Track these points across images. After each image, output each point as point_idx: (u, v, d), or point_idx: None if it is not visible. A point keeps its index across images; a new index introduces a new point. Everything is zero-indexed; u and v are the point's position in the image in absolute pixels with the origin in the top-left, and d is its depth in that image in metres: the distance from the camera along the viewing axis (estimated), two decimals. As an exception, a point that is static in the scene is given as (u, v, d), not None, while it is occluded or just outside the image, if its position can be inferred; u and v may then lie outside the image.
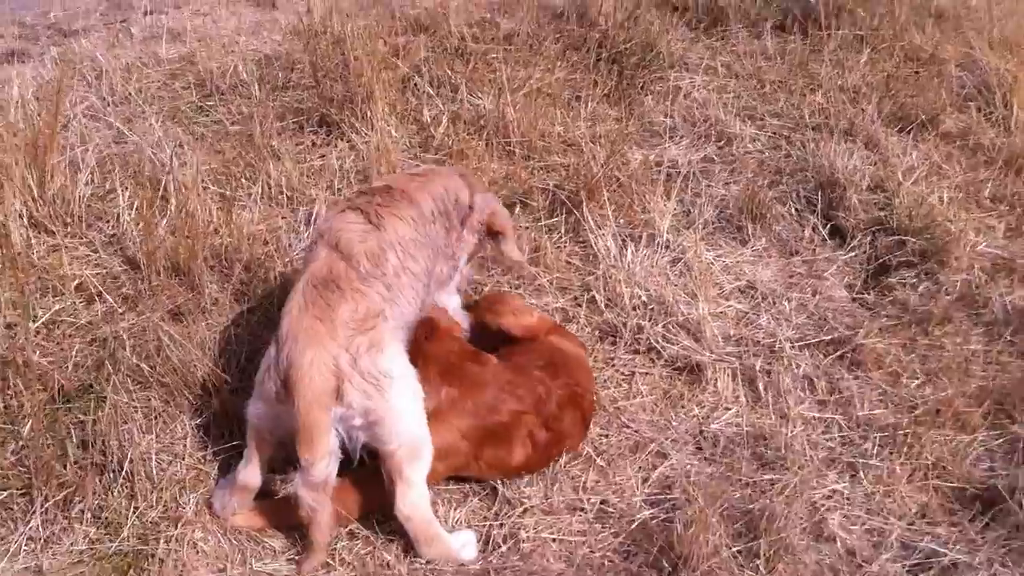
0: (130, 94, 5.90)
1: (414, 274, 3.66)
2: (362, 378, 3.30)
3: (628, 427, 4.01)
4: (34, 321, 4.24)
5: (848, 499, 3.71)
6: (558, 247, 4.88)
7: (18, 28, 7.10)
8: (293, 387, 3.28)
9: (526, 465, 3.72)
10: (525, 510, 3.65)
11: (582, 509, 3.67)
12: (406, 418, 3.39)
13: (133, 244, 4.65)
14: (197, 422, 3.90)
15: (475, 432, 3.60)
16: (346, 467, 3.48)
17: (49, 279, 4.51)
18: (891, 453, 3.85)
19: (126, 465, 3.62)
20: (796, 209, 5.20)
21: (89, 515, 3.55)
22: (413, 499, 3.39)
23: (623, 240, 4.81)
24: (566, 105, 5.80)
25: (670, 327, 4.38)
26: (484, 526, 3.64)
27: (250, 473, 3.57)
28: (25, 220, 4.75)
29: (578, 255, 4.86)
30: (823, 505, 3.66)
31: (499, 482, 3.72)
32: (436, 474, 3.55)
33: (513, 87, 5.71)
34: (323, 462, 3.28)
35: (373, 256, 3.54)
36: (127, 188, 4.86)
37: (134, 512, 3.55)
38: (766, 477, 3.75)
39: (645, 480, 3.78)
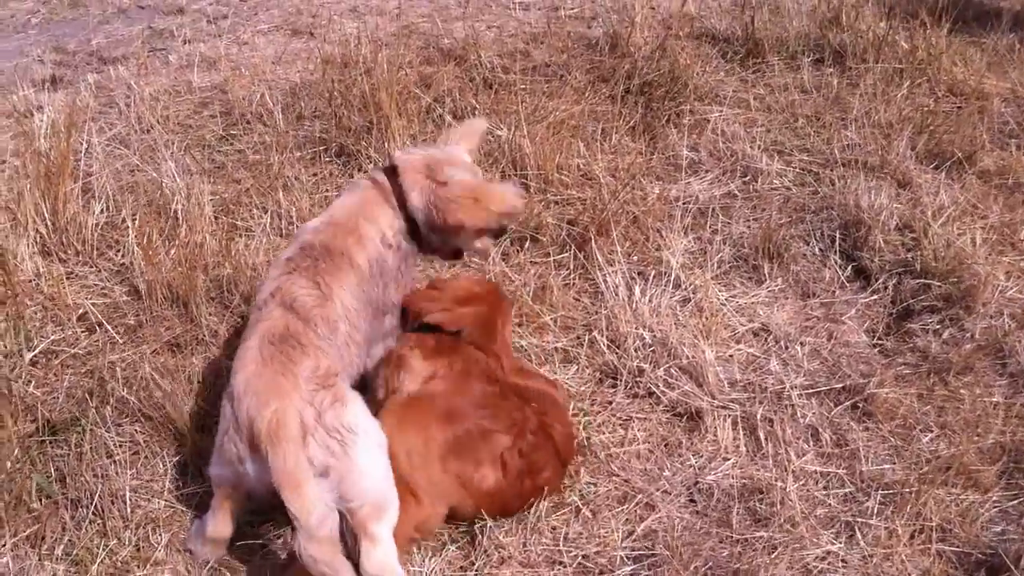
0: (156, 122, 5.92)
1: (357, 343, 3.62)
2: (326, 433, 3.19)
3: (618, 476, 3.85)
4: (30, 350, 4.24)
5: (844, 561, 3.50)
6: (566, 284, 4.76)
7: (60, 55, 7.22)
8: (262, 440, 3.16)
9: (499, 494, 3.57)
10: (502, 560, 3.51)
11: (561, 563, 3.52)
12: (370, 474, 3.26)
13: (143, 275, 4.63)
14: (178, 459, 3.84)
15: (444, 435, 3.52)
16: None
17: (54, 308, 4.51)
18: (894, 512, 3.62)
19: (97, 501, 3.57)
20: (819, 249, 5.00)
21: (60, 552, 3.50)
22: (380, 557, 3.24)
23: (632, 278, 4.66)
24: (589, 137, 5.67)
25: (672, 371, 4.22)
26: (458, 576, 3.51)
27: (219, 526, 3.48)
28: (37, 248, 4.79)
29: (587, 292, 4.73)
30: (815, 567, 3.46)
31: (478, 530, 3.57)
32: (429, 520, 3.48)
33: (537, 118, 5.61)
34: (319, 510, 3.12)
35: (328, 322, 3.48)
36: (137, 218, 4.84)
37: (105, 550, 3.49)
38: (758, 534, 3.57)
39: (630, 533, 3.61)
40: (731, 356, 4.39)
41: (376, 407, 3.54)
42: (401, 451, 3.41)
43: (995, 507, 3.69)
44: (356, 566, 3.24)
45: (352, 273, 3.63)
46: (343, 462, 3.20)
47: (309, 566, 3.13)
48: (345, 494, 3.23)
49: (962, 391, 4.18)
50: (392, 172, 3.79)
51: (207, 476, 3.52)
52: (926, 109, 5.98)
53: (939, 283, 4.61)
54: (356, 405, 3.35)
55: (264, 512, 3.58)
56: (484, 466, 3.52)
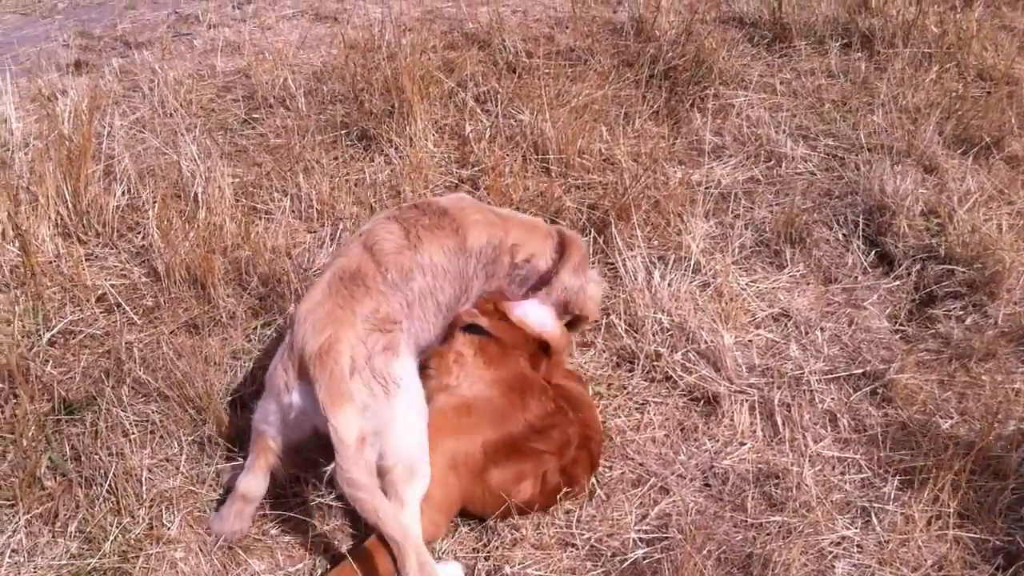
0: (179, 106, 5.94)
1: (438, 303, 3.66)
2: (372, 375, 3.23)
3: (633, 459, 3.82)
4: (48, 330, 4.27)
5: (859, 546, 3.46)
6: (585, 268, 4.71)
7: (85, 39, 7.25)
8: (310, 361, 3.22)
9: (528, 504, 3.55)
10: (515, 543, 3.50)
11: (574, 545, 3.50)
12: (407, 432, 3.28)
13: (160, 256, 4.65)
14: (193, 438, 3.85)
15: (494, 446, 3.46)
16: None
17: (72, 288, 4.54)
18: (911, 498, 3.57)
19: (111, 479, 3.59)
20: (843, 234, 4.95)
21: (73, 529, 3.52)
22: (406, 520, 3.23)
23: (652, 262, 4.62)
24: (612, 121, 5.63)
25: (690, 355, 4.19)
26: (471, 557, 3.49)
27: (252, 482, 3.48)
28: (58, 229, 4.82)
29: (606, 276, 4.68)
30: (831, 552, 3.42)
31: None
32: (450, 497, 3.45)
33: (560, 102, 5.58)
34: (359, 430, 3.13)
35: (401, 270, 3.53)
36: (157, 200, 4.86)
37: (118, 528, 3.51)
38: (773, 519, 3.53)
39: (643, 517, 3.59)
40: (750, 341, 4.35)
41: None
42: (445, 454, 3.39)
43: (1014, 494, 3.63)
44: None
45: (453, 239, 3.71)
46: (383, 410, 3.22)
47: (347, 492, 3.10)
48: (381, 449, 3.24)
49: (983, 377, 4.13)
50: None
51: (243, 431, 3.61)
52: (954, 94, 5.90)
53: (963, 269, 4.56)
54: (408, 361, 3.39)
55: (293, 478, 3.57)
56: (526, 481, 3.51)
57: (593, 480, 3.72)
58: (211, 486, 3.72)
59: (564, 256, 3.98)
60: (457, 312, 3.79)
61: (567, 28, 7.01)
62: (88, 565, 3.41)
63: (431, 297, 3.64)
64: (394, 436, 3.26)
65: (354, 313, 3.33)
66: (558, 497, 3.57)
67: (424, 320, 3.62)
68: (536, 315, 3.83)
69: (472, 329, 3.74)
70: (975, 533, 3.47)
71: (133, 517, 3.55)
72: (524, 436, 3.48)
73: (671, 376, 4.15)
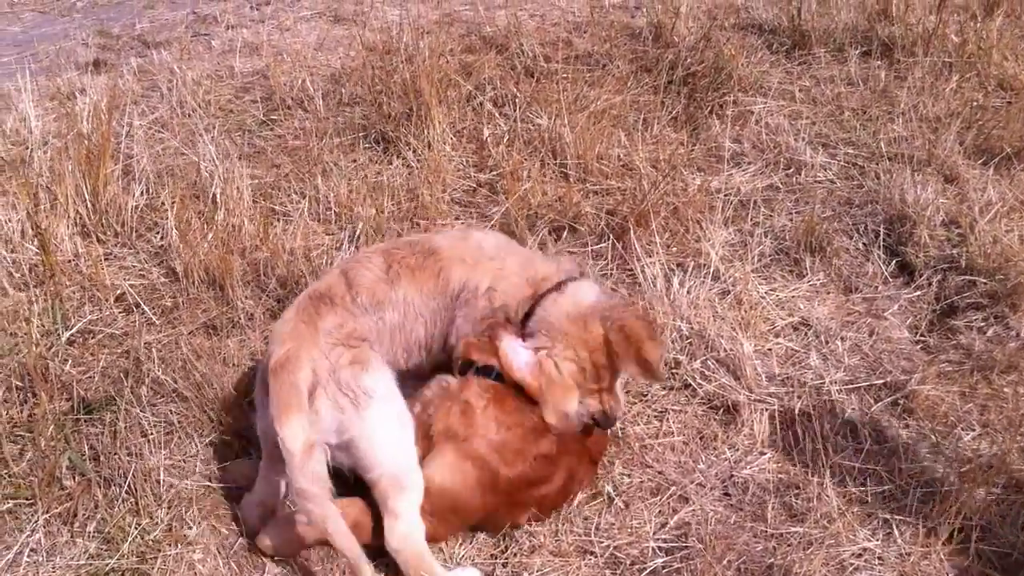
0: (197, 106, 5.95)
1: (408, 341, 3.61)
2: (338, 388, 3.21)
3: (652, 467, 3.80)
4: (67, 330, 4.27)
5: (880, 559, 3.43)
6: (604, 274, 4.71)
7: (104, 39, 7.27)
8: (269, 374, 3.22)
9: (527, 520, 3.56)
10: (533, 549, 3.48)
11: (592, 552, 3.48)
12: (385, 444, 3.25)
13: (178, 256, 4.65)
14: (211, 439, 3.85)
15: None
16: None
17: (91, 288, 4.54)
18: (933, 511, 3.54)
19: (129, 480, 3.58)
20: (863, 243, 4.92)
21: (92, 529, 3.51)
22: (402, 531, 3.23)
23: (671, 269, 4.60)
24: (630, 127, 5.62)
25: (709, 363, 4.17)
26: (488, 564, 3.47)
27: (265, 489, 3.51)
28: (77, 228, 4.83)
29: (624, 283, 4.68)
30: (851, 564, 3.39)
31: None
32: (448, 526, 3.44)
33: (578, 108, 5.57)
34: (306, 438, 3.11)
35: (373, 297, 3.50)
36: (176, 200, 4.85)
37: (136, 529, 3.50)
38: (793, 530, 3.51)
39: (663, 525, 3.57)
40: (770, 350, 4.33)
41: (425, 429, 3.43)
42: (455, 477, 3.37)
43: (1038, 508, 3.60)
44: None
45: (433, 282, 3.61)
46: (355, 423, 3.20)
47: (297, 502, 3.12)
48: (360, 461, 3.24)
49: (1006, 389, 4.09)
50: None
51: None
52: (975, 103, 5.87)
53: (985, 280, 4.53)
54: (381, 375, 3.33)
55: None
56: (527, 508, 3.51)
57: (611, 487, 3.71)
58: (230, 487, 3.70)
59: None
60: (466, 342, 3.61)
61: (585, 33, 7.00)
62: (107, 566, 3.40)
63: (401, 333, 3.59)
64: (371, 448, 3.24)
65: (316, 328, 3.33)
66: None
67: (393, 351, 3.58)
68: (516, 356, 3.59)
69: (484, 372, 3.57)
70: (997, 547, 3.43)
71: (152, 518, 3.54)
72: (530, 469, 3.45)
73: (690, 384, 4.13)
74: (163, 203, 4.96)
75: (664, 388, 4.15)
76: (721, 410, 4.05)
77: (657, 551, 3.47)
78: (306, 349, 3.26)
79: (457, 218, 5.10)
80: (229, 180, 4.94)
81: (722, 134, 5.65)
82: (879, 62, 6.45)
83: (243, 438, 3.82)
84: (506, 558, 3.47)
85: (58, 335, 4.23)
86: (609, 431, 3.76)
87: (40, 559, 3.43)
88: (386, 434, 3.26)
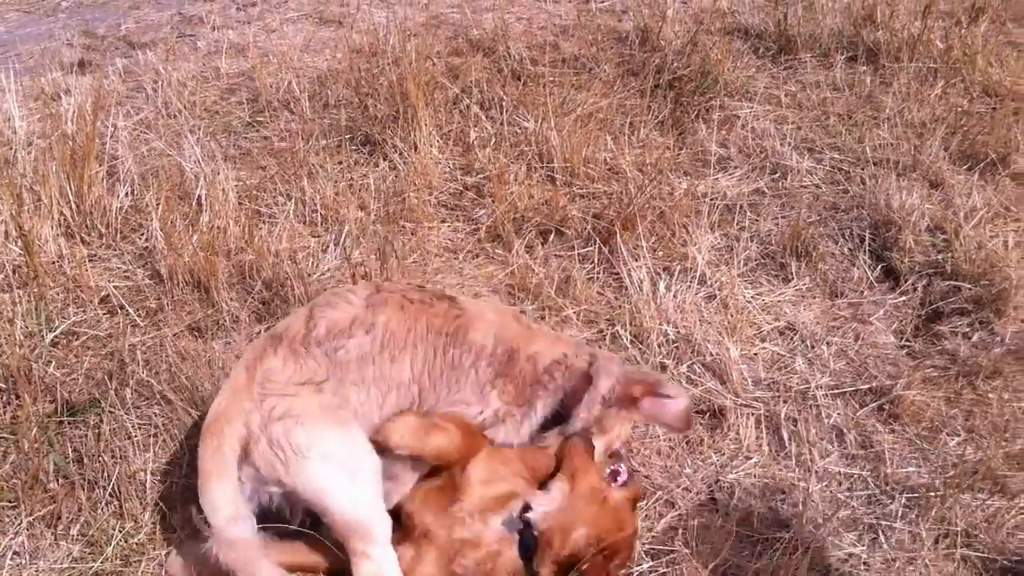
0: (183, 107, 5.92)
1: (382, 374, 3.28)
2: (268, 445, 3.06)
3: (638, 472, 3.78)
4: (51, 331, 4.24)
5: (866, 564, 3.43)
6: (590, 277, 4.70)
7: (89, 39, 7.23)
8: (201, 434, 3.16)
9: None
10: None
11: (579, 557, 3.47)
12: (330, 496, 3.09)
13: (163, 258, 4.62)
14: (196, 441, 3.76)
15: None
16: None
17: (76, 289, 4.51)
18: (918, 516, 3.56)
19: (113, 483, 3.56)
20: (848, 248, 4.93)
21: (76, 532, 3.49)
22: (369, 571, 3.10)
23: (657, 273, 4.60)
24: (617, 131, 5.62)
25: (695, 367, 4.17)
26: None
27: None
28: (61, 230, 4.80)
29: (611, 287, 4.68)
30: (837, 569, 3.40)
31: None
32: None
33: (565, 111, 5.57)
34: (228, 511, 3.04)
35: (333, 326, 3.26)
36: (161, 202, 4.83)
37: (120, 532, 3.48)
38: (779, 535, 3.50)
39: (649, 530, 3.56)
40: (756, 354, 4.33)
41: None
42: None
43: (1021, 513, 3.60)
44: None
45: (442, 322, 3.36)
46: (290, 481, 3.08)
47: (223, 564, 3.02)
48: (310, 508, 3.15)
49: (990, 395, 4.11)
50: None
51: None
52: (960, 109, 5.90)
53: (969, 286, 4.54)
54: (320, 426, 3.12)
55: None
56: None
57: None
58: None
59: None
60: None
61: (572, 36, 7.01)
62: (90, 569, 3.38)
63: (373, 365, 3.27)
64: (316, 500, 3.11)
65: (253, 374, 3.16)
66: None
67: (361, 391, 3.26)
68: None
69: None
70: (983, 552, 3.44)
71: (136, 521, 3.52)
72: None
73: (677, 388, 4.12)
74: (148, 204, 4.93)
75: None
76: (707, 414, 4.05)
77: (643, 556, 3.46)
78: (239, 403, 3.12)
79: (444, 221, 5.08)
80: (214, 182, 4.92)
81: (708, 138, 5.66)
82: (864, 67, 6.48)
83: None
84: (492, 562, 3.45)
85: (42, 337, 4.20)
86: None
87: (23, 562, 3.42)
88: (330, 487, 3.09)
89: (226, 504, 3.05)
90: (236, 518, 3.05)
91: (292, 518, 3.24)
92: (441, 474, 3.27)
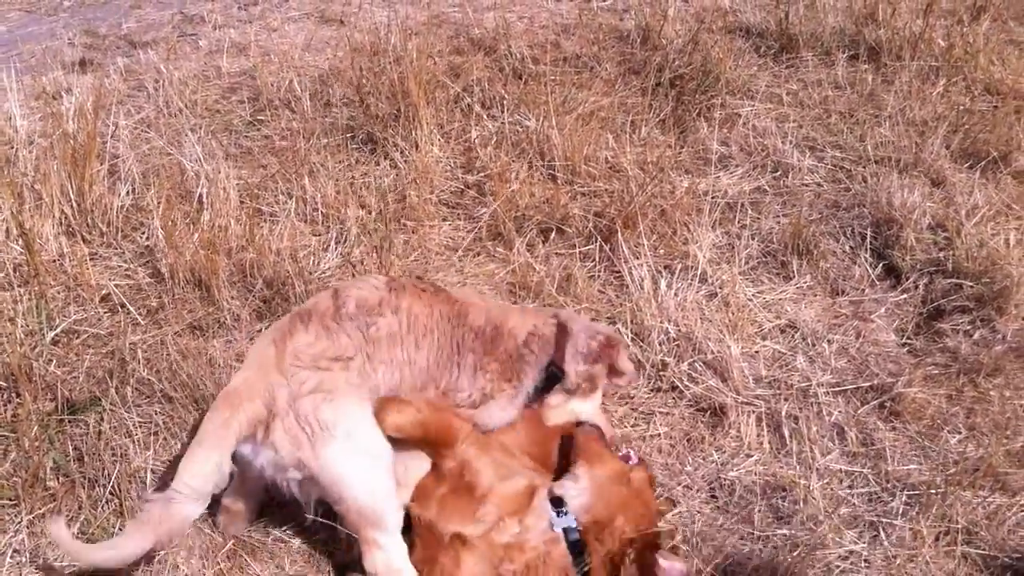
0: (184, 106, 5.92)
1: (408, 358, 3.35)
2: (295, 421, 3.05)
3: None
4: (52, 330, 4.24)
5: (866, 561, 3.43)
6: (591, 275, 4.70)
7: (90, 38, 7.23)
8: (215, 401, 3.15)
9: None
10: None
11: (579, 554, 3.47)
12: (349, 481, 3.09)
13: (164, 256, 4.62)
14: (197, 439, 3.81)
15: None
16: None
17: (76, 288, 4.51)
18: (919, 513, 3.55)
19: (114, 481, 3.56)
20: (850, 246, 4.93)
21: (76, 530, 3.48)
22: (382, 559, 3.12)
23: (658, 271, 4.60)
24: (618, 129, 5.61)
25: (696, 365, 4.17)
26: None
27: (234, 498, 3.46)
28: (62, 228, 4.79)
29: (612, 285, 4.68)
30: (838, 566, 3.39)
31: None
32: None
33: (566, 109, 5.57)
34: (192, 483, 3.01)
35: (363, 303, 3.31)
36: (162, 201, 4.82)
37: (120, 530, 3.47)
38: (780, 532, 3.51)
39: (649, 528, 3.56)
40: (757, 352, 4.33)
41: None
42: None
43: (1022, 511, 3.61)
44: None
45: (448, 307, 3.49)
46: (313, 461, 3.06)
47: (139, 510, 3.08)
48: (324, 494, 3.14)
49: (992, 393, 4.11)
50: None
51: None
52: (962, 107, 5.90)
53: (971, 283, 4.53)
54: (348, 404, 3.14)
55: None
56: None
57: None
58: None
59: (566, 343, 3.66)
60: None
61: (573, 35, 7.00)
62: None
63: (401, 346, 3.34)
64: (333, 484, 3.10)
65: (284, 350, 3.16)
66: None
67: (384, 369, 3.31)
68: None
69: None
70: (983, 550, 3.44)
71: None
72: None
73: (677, 386, 4.12)
74: (149, 203, 4.92)
75: (652, 390, 4.15)
76: (708, 412, 4.05)
77: (644, 553, 3.45)
78: (265, 376, 3.11)
79: (445, 219, 5.08)
80: (215, 180, 4.92)
81: (710, 137, 5.65)
82: (866, 66, 6.47)
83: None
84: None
85: (42, 335, 4.20)
86: None
87: (23, 560, 3.42)
88: (349, 470, 3.09)
89: (196, 478, 3.03)
90: (193, 495, 3.03)
91: (307, 507, 3.24)
92: (441, 476, 3.27)
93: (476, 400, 3.45)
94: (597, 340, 3.66)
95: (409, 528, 3.24)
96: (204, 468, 3.04)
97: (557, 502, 3.21)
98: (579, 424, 3.60)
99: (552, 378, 3.61)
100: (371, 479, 3.12)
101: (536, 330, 3.61)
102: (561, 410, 3.63)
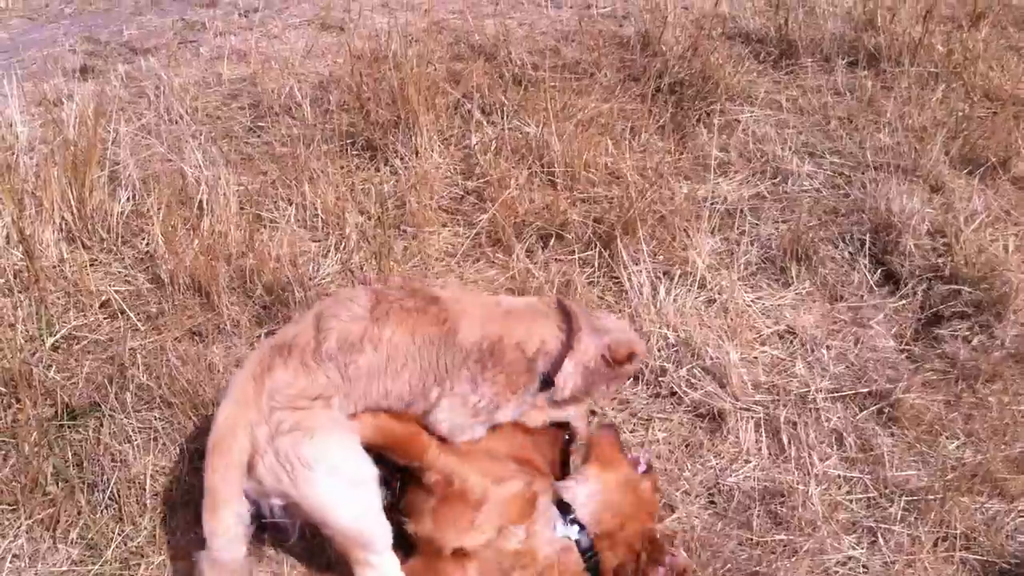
0: (184, 113, 5.93)
1: (386, 391, 3.28)
2: (275, 458, 3.05)
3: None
4: (52, 335, 4.25)
5: (865, 567, 3.45)
6: (590, 281, 4.71)
7: (91, 45, 7.24)
8: (208, 447, 3.12)
9: None
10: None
11: (578, 560, 3.47)
12: (333, 510, 3.10)
13: (163, 262, 4.63)
14: (196, 445, 3.82)
15: None
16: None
17: (76, 294, 4.52)
18: (917, 519, 3.57)
19: (113, 486, 3.57)
20: (848, 252, 4.93)
21: (75, 535, 3.50)
22: None
23: (657, 277, 4.61)
24: (618, 135, 5.62)
25: (695, 371, 4.18)
26: None
27: None
28: (62, 234, 4.81)
29: (611, 291, 4.69)
30: (836, 572, 3.42)
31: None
32: None
33: (566, 116, 5.58)
34: (225, 537, 3.04)
35: (344, 339, 3.24)
36: (162, 207, 4.83)
37: (120, 535, 3.49)
38: (779, 537, 3.52)
39: (648, 533, 3.57)
40: (756, 358, 4.34)
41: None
42: None
43: (1021, 516, 3.63)
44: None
45: (436, 329, 3.34)
46: (293, 493, 3.07)
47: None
48: (310, 520, 3.15)
49: (990, 399, 4.12)
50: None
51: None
52: (961, 114, 5.91)
53: (970, 289, 4.54)
54: (329, 440, 3.13)
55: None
56: None
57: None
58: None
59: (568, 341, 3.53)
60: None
61: (573, 41, 7.00)
62: (90, 572, 3.42)
63: (379, 380, 3.27)
64: (317, 512, 3.11)
65: (262, 389, 3.13)
66: None
67: (364, 403, 3.28)
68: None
69: None
70: (982, 555, 3.46)
71: (135, 525, 3.54)
72: None
73: (676, 392, 4.14)
74: (149, 209, 4.93)
75: (650, 395, 4.16)
76: (707, 418, 4.06)
77: (642, 559, 3.46)
78: (245, 416, 3.10)
79: (444, 225, 5.09)
80: (215, 187, 4.93)
81: (709, 143, 5.66)
82: (865, 72, 6.47)
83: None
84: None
85: (42, 341, 4.22)
86: None
87: (23, 565, 3.44)
88: (333, 501, 3.10)
89: (226, 531, 3.05)
90: (231, 542, 3.06)
91: (291, 530, 3.25)
92: (427, 489, 3.24)
93: (483, 408, 3.39)
94: (609, 353, 3.53)
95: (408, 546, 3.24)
96: (224, 524, 3.06)
97: (563, 507, 3.21)
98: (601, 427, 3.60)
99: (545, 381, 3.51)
100: (357, 505, 3.13)
101: (543, 347, 3.46)
102: (545, 413, 3.57)
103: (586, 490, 3.27)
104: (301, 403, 3.13)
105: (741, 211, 5.13)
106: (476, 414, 3.39)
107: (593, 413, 4.00)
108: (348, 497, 3.11)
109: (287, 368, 3.16)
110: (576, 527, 3.16)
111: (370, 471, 3.15)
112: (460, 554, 3.11)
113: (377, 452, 3.24)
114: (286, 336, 3.29)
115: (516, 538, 3.12)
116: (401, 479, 3.36)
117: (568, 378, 3.50)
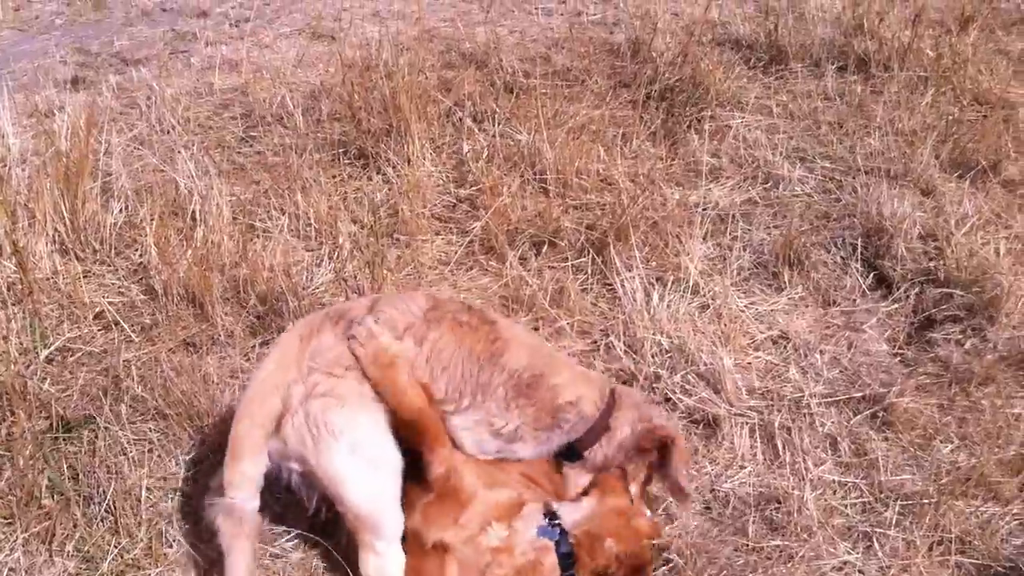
0: (176, 123, 5.93)
1: (444, 369, 3.33)
2: (304, 420, 3.12)
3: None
4: (46, 347, 4.24)
5: (860, 572, 3.45)
6: (583, 288, 4.72)
7: (82, 56, 7.25)
8: (241, 399, 3.21)
9: None
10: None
11: (574, 568, 3.48)
12: (349, 485, 3.13)
13: (157, 273, 4.63)
14: (191, 456, 3.83)
15: None
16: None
17: (70, 306, 4.51)
18: (912, 523, 3.57)
19: (109, 498, 3.56)
20: (840, 257, 4.94)
21: (71, 548, 3.49)
22: (376, 564, 3.15)
23: (650, 283, 4.62)
24: (609, 142, 5.64)
25: (689, 377, 4.18)
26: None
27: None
28: (55, 246, 4.80)
29: (604, 297, 4.70)
30: (831, 577, 3.41)
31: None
32: None
33: (557, 123, 5.60)
34: (242, 488, 3.11)
35: (391, 323, 3.30)
36: (155, 218, 4.83)
37: (116, 548, 3.48)
38: (774, 543, 3.52)
39: (645, 540, 3.57)
40: (749, 363, 4.34)
41: None
42: None
43: (1015, 519, 3.63)
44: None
45: (484, 345, 3.38)
46: (315, 460, 3.12)
47: (217, 530, 3.14)
48: (325, 493, 3.19)
49: (983, 402, 4.12)
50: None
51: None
52: (950, 117, 5.93)
53: (962, 293, 4.55)
54: (358, 413, 3.17)
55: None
56: None
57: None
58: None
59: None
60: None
61: (564, 49, 7.03)
62: (85, 586, 3.39)
63: (427, 366, 3.33)
64: (334, 486, 3.14)
65: (305, 349, 3.22)
66: None
67: None
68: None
69: None
70: (977, 559, 3.46)
71: (131, 537, 3.53)
72: None
73: (670, 398, 4.13)
74: (142, 220, 4.93)
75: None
76: (702, 424, 4.06)
77: (639, 566, 3.46)
78: (283, 376, 3.17)
79: (437, 233, 5.10)
80: (208, 197, 4.93)
81: (700, 149, 5.68)
82: (855, 77, 6.51)
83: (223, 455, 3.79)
84: None
85: (36, 353, 4.21)
86: None
87: (19, 579, 3.42)
88: (351, 475, 3.13)
89: (246, 484, 3.13)
90: (248, 493, 3.14)
91: (307, 501, 3.30)
92: (427, 484, 3.26)
93: (507, 433, 3.40)
94: (639, 435, 3.48)
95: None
96: (245, 477, 3.14)
97: (550, 515, 3.22)
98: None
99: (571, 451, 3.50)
100: (373, 485, 3.16)
101: (577, 403, 3.45)
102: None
103: (578, 505, 3.29)
104: (337, 370, 3.19)
105: (733, 216, 5.14)
106: (496, 436, 3.40)
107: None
108: (365, 476, 3.15)
109: (333, 333, 3.26)
110: (558, 531, 3.16)
111: (394, 456, 3.20)
112: (440, 547, 3.13)
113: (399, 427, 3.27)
114: (340, 307, 3.41)
115: (497, 535, 3.14)
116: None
117: (597, 452, 3.48)
